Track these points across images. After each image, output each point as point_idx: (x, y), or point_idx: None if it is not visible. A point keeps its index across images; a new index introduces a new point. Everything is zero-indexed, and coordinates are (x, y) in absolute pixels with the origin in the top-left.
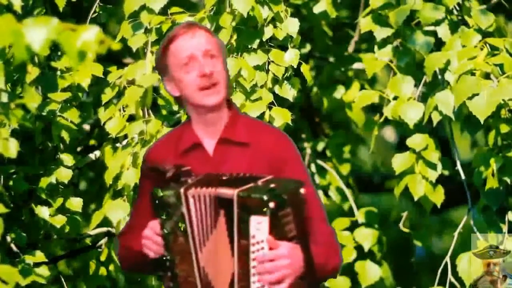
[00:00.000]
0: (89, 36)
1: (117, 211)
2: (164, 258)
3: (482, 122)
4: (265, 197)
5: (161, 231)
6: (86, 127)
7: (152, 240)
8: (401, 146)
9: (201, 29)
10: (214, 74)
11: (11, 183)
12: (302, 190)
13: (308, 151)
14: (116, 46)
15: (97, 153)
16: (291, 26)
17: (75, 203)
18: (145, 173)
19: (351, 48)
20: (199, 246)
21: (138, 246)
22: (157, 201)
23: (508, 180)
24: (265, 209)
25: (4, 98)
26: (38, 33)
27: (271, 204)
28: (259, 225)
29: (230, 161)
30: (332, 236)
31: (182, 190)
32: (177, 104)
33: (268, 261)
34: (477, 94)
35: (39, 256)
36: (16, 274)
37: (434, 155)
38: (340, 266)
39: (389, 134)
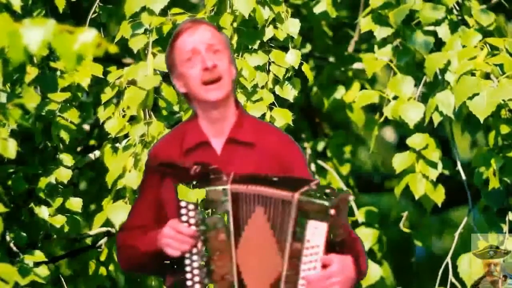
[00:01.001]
0: (86, 38)
1: (119, 213)
2: (191, 256)
3: (482, 122)
4: (327, 203)
5: (198, 227)
6: (86, 127)
7: (175, 238)
8: (401, 146)
9: (206, 25)
10: (218, 68)
11: (10, 182)
12: (351, 198)
13: (308, 151)
14: (113, 49)
15: (97, 153)
16: (292, 26)
17: (75, 203)
18: (152, 169)
19: (351, 48)
20: (241, 244)
21: (145, 246)
22: (198, 199)
23: (508, 181)
24: (325, 215)
25: (3, 98)
26: (35, 34)
27: (332, 211)
28: (315, 230)
29: (237, 161)
30: (360, 239)
31: (228, 186)
32: (186, 101)
33: (322, 280)
34: (477, 94)
35: (39, 256)
36: (15, 273)
37: (434, 154)
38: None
39: (389, 134)
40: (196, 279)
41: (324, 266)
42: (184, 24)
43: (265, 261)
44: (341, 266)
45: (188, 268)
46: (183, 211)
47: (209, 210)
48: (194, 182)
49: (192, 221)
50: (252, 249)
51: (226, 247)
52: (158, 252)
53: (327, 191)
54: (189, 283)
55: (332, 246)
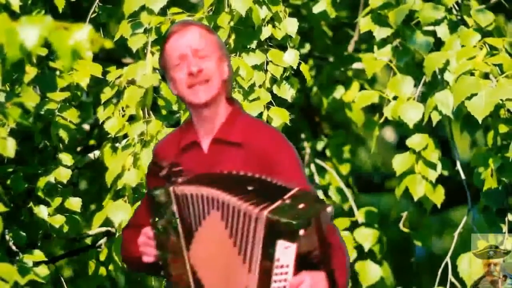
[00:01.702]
0: (81, 35)
1: (119, 212)
2: (159, 258)
3: (480, 122)
4: (295, 223)
5: (153, 231)
6: (86, 127)
7: (146, 244)
8: (401, 146)
9: (195, 26)
10: (204, 72)
11: (10, 182)
12: (329, 209)
13: (308, 151)
14: (108, 44)
15: (97, 153)
16: (290, 26)
17: (74, 203)
18: (149, 169)
19: (350, 48)
20: (194, 246)
21: (136, 250)
22: (150, 200)
23: (507, 180)
24: (295, 236)
25: (2, 97)
26: (31, 31)
27: (301, 232)
28: (285, 250)
29: (224, 161)
30: (342, 244)
31: (171, 188)
32: (181, 102)
33: None
34: (476, 94)
35: (38, 255)
36: (15, 272)
37: (433, 155)
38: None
39: (389, 134)
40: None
41: (295, 286)
42: (173, 27)
43: (225, 267)
44: (312, 284)
45: (162, 272)
46: (153, 215)
47: (158, 213)
48: (159, 185)
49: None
50: (206, 251)
51: (178, 249)
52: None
53: (301, 206)
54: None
55: (304, 261)
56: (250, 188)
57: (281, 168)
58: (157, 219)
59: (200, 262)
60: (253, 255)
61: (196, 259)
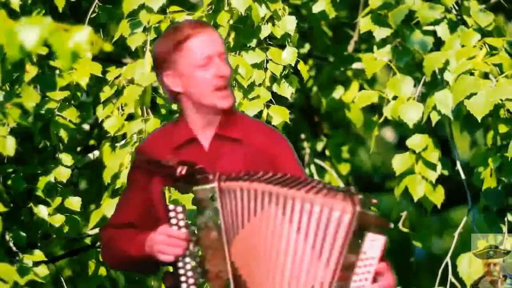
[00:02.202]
0: (80, 36)
1: None
2: (183, 258)
3: (479, 121)
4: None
5: (188, 228)
6: (86, 127)
7: (167, 243)
8: (401, 146)
9: (215, 30)
10: (228, 77)
11: (10, 182)
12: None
13: (308, 151)
14: (108, 47)
15: (96, 152)
16: (289, 24)
17: (74, 203)
18: (139, 166)
19: (350, 48)
20: (234, 242)
21: (133, 251)
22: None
23: (506, 180)
24: (384, 228)
25: (1, 97)
26: (31, 32)
27: (391, 225)
28: (373, 243)
29: (225, 157)
30: None
31: (216, 184)
32: (172, 98)
33: None
34: (475, 94)
35: (38, 255)
36: (14, 272)
37: (433, 155)
38: None
39: (389, 134)
40: (191, 281)
41: (376, 275)
42: (194, 26)
43: (277, 262)
44: (390, 276)
45: (181, 271)
46: (171, 214)
47: (199, 210)
48: (181, 184)
49: (181, 223)
50: (251, 247)
51: (218, 245)
52: (148, 257)
53: (374, 201)
54: (184, 285)
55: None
56: (304, 185)
57: (283, 163)
58: (197, 215)
59: (243, 258)
60: (334, 248)
61: (238, 255)
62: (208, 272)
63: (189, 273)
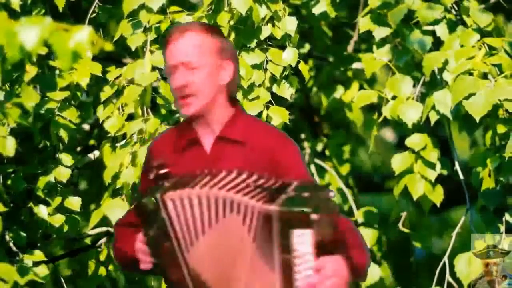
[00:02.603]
0: (81, 36)
1: (116, 210)
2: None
3: (478, 122)
4: (305, 209)
5: (145, 238)
6: (86, 127)
7: (142, 251)
8: (401, 146)
9: (193, 32)
10: (190, 86)
11: (10, 182)
12: (331, 194)
13: (308, 151)
14: (108, 47)
15: (97, 153)
16: (289, 24)
17: (74, 203)
18: (145, 166)
19: (350, 48)
20: (189, 249)
21: (129, 251)
22: (139, 210)
23: (504, 180)
24: (308, 222)
25: (1, 97)
26: (31, 32)
27: (314, 216)
28: (301, 238)
29: (226, 159)
30: (354, 226)
31: (158, 195)
32: None
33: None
34: (474, 94)
35: (38, 255)
36: (14, 272)
37: (433, 155)
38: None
39: (389, 134)
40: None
41: (317, 271)
42: (172, 32)
43: (233, 265)
44: (334, 267)
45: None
46: (144, 223)
47: (149, 221)
48: (149, 191)
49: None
50: (211, 253)
51: (173, 254)
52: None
53: (305, 194)
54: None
55: (322, 249)
56: (249, 185)
57: (287, 166)
58: (148, 226)
59: (200, 264)
60: (272, 251)
61: (194, 262)
62: (171, 281)
63: (163, 279)
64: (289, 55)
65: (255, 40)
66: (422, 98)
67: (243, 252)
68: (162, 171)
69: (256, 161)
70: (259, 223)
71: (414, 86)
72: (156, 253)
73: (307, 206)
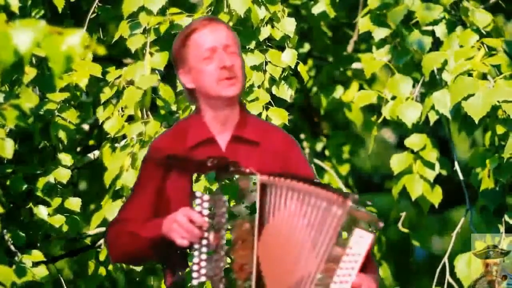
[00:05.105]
0: (74, 40)
1: (117, 212)
2: (200, 247)
3: (477, 122)
4: (376, 216)
5: (210, 219)
6: (85, 127)
7: (187, 227)
8: (400, 146)
9: (222, 24)
10: (235, 67)
11: (9, 182)
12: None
13: (307, 151)
14: (102, 51)
15: (96, 153)
16: (288, 25)
17: (74, 203)
18: (153, 162)
19: (350, 48)
20: (263, 236)
21: (147, 231)
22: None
23: (503, 181)
24: (373, 227)
25: (1, 98)
26: (25, 35)
27: (381, 224)
28: (360, 239)
29: (241, 158)
30: None
31: (258, 177)
32: (189, 97)
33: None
34: (473, 94)
35: (38, 255)
36: (11, 273)
37: (432, 155)
38: None
39: (389, 134)
40: (203, 271)
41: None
42: (200, 21)
43: (292, 257)
44: (370, 282)
45: (196, 260)
46: (197, 201)
47: (237, 199)
48: (217, 172)
49: (205, 212)
50: (276, 243)
51: (249, 237)
52: (161, 239)
53: (369, 202)
54: (195, 274)
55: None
56: (316, 181)
57: (297, 167)
58: (233, 203)
59: (267, 253)
60: (325, 241)
61: (263, 250)
62: (233, 262)
63: (203, 264)
64: (288, 56)
65: (254, 41)
66: (422, 98)
67: (302, 243)
68: (230, 160)
69: (269, 161)
70: (321, 210)
71: (413, 86)
72: (231, 230)
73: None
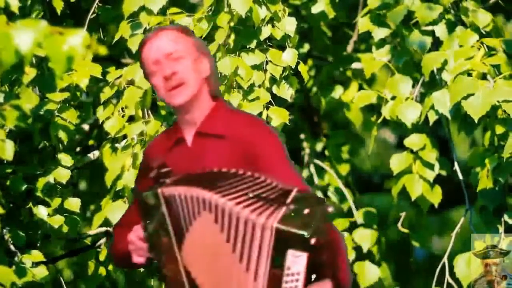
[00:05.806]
0: (75, 40)
1: (118, 213)
2: (152, 260)
3: (476, 122)
4: (306, 234)
5: (145, 233)
6: (86, 127)
7: (136, 244)
8: (400, 146)
9: (167, 31)
10: (178, 75)
11: (9, 182)
12: (330, 209)
13: (307, 151)
14: (103, 51)
15: (96, 153)
16: (289, 25)
17: (74, 203)
18: (139, 170)
19: (350, 48)
20: (183, 246)
21: (126, 248)
22: (140, 203)
23: (502, 180)
24: (306, 245)
25: (0, 98)
26: (26, 36)
27: (312, 241)
28: (296, 259)
29: (209, 154)
30: (340, 237)
31: (159, 190)
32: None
33: None
34: (473, 94)
35: (37, 255)
36: (11, 273)
37: (431, 155)
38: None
39: (389, 134)
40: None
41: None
42: (145, 37)
43: (223, 268)
44: None
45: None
46: (144, 217)
47: (149, 215)
48: (149, 188)
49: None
50: (203, 253)
51: (170, 250)
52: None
53: (306, 211)
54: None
55: (313, 267)
56: (244, 189)
57: (265, 162)
58: (148, 221)
59: (193, 262)
60: (260, 263)
61: (189, 259)
62: (166, 276)
63: (158, 274)
64: (289, 56)
65: (255, 41)
66: (421, 98)
67: (236, 260)
68: (164, 169)
69: (238, 155)
70: (256, 235)
71: (413, 86)
72: (154, 248)
73: (308, 228)
